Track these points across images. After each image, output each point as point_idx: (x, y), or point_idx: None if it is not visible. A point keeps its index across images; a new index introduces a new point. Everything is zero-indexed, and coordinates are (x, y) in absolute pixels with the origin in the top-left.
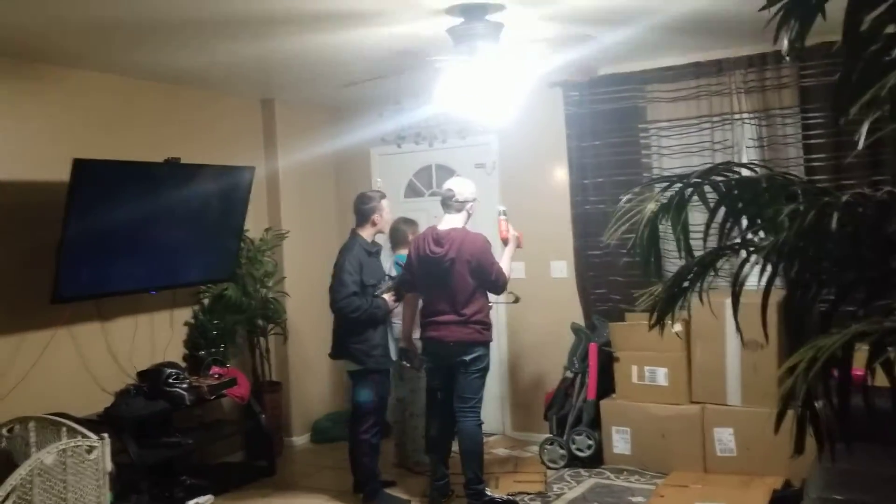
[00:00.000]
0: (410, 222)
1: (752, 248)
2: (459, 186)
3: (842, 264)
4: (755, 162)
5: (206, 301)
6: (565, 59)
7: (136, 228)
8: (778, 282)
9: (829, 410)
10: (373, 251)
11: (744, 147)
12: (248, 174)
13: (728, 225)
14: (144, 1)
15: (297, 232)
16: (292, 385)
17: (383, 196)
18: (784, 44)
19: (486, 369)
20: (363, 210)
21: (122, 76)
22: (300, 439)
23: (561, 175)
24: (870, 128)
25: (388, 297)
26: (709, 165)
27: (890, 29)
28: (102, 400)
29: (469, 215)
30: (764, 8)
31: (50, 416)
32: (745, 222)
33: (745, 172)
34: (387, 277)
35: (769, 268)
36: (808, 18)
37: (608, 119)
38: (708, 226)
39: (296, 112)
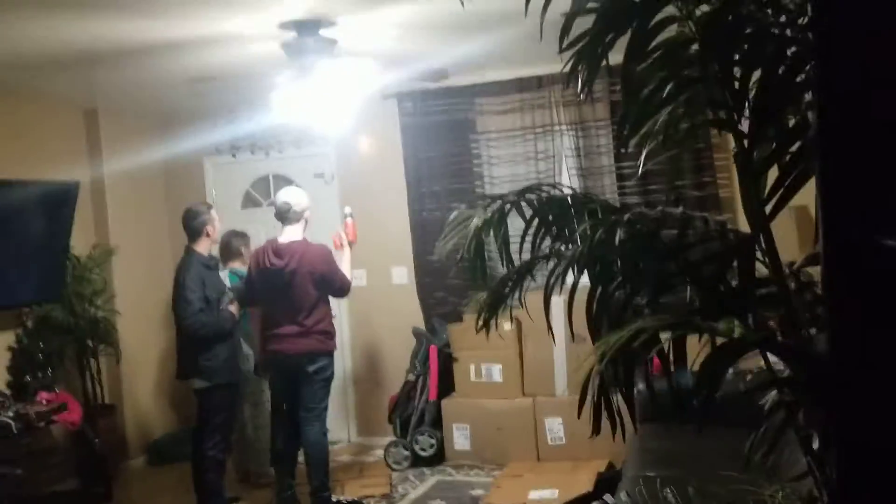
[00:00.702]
0: (241, 235)
1: (559, 258)
2: (294, 197)
3: (628, 270)
4: (559, 184)
5: (29, 323)
6: (399, 74)
7: None
8: None
9: (624, 396)
10: (211, 265)
11: (563, 156)
12: (73, 189)
13: (540, 237)
14: None
15: (127, 247)
16: (127, 406)
17: (211, 207)
18: (579, 85)
19: (330, 378)
20: (194, 226)
21: None
22: (137, 462)
23: (399, 184)
24: (650, 153)
25: (233, 308)
26: (526, 185)
27: (661, 74)
28: None
29: (306, 224)
30: (561, 51)
31: None
32: (554, 235)
33: (556, 191)
34: (228, 290)
35: (575, 273)
36: (594, 66)
37: (441, 130)
38: (523, 238)
39: (122, 121)
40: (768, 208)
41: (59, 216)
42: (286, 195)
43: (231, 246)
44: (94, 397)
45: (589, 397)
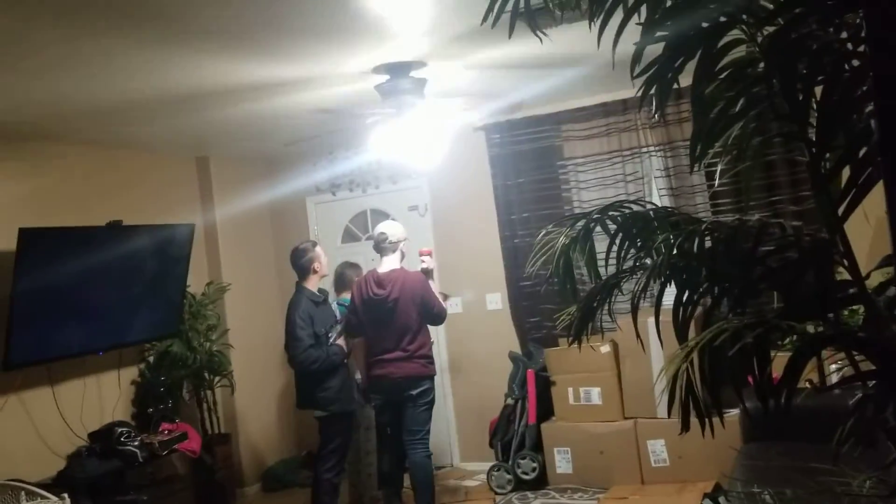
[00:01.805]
0: (354, 266)
1: (643, 270)
2: (390, 229)
3: (712, 278)
4: (641, 200)
5: (151, 358)
6: (487, 107)
7: (82, 291)
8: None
9: (707, 396)
10: (320, 300)
11: (652, 177)
12: (188, 231)
13: (625, 251)
14: (87, 81)
15: (238, 283)
16: (242, 435)
17: (315, 244)
18: (653, 108)
19: (432, 402)
20: (302, 264)
21: (62, 144)
22: (252, 489)
23: (489, 212)
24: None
25: (341, 341)
26: (610, 202)
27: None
28: (55, 464)
29: (403, 255)
30: (633, 78)
31: (7, 482)
32: (638, 248)
33: (636, 207)
34: (336, 323)
35: (659, 283)
36: (665, 90)
37: (528, 158)
38: (608, 253)
39: (231, 167)
40: (841, 211)
41: (177, 257)
42: (383, 227)
43: (345, 277)
44: (211, 427)
45: (677, 398)
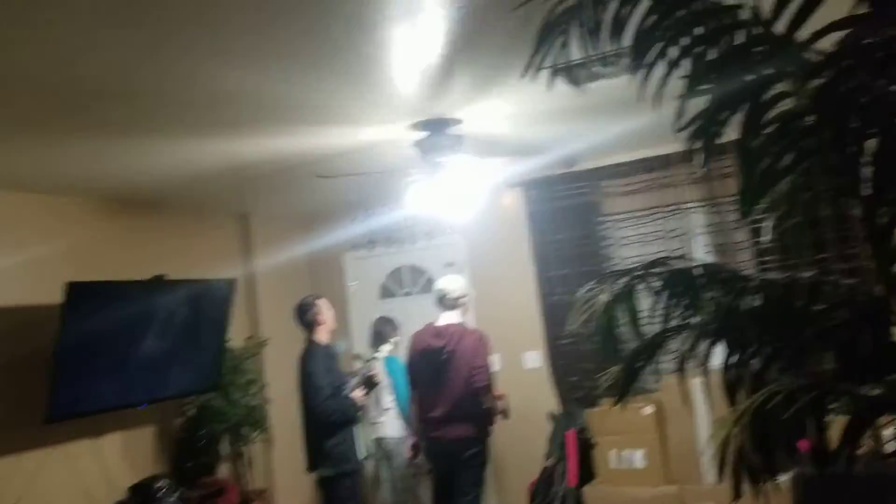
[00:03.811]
0: (389, 321)
1: (690, 329)
2: (451, 284)
3: (763, 337)
4: (682, 256)
5: (191, 412)
6: (524, 165)
7: (125, 345)
8: None
9: (759, 460)
10: (332, 353)
11: (695, 234)
12: (229, 286)
13: (669, 309)
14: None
15: (277, 338)
16: (278, 491)
17: (318, 297)
18: (696, 164)
19: (483, 463)
20: (307, 319)
21: (106, 201)
22: None
23: (527, 269)
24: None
25: (357, 394)
26: (652, 258)
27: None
28: None
29: (464, 310)
30: (676, 132)
31: None
32: (684, 307)
33: (681, 264)
34: (351, 376)
35: (707, 344)
36: (710, 145)
37: (568, 214)
38: (652, 311)
39: (271, 224)
40: None
41: (217, 312)
42: (443, 282)
43: (382, 333)
44: (248, 481)
45: (729, 463)
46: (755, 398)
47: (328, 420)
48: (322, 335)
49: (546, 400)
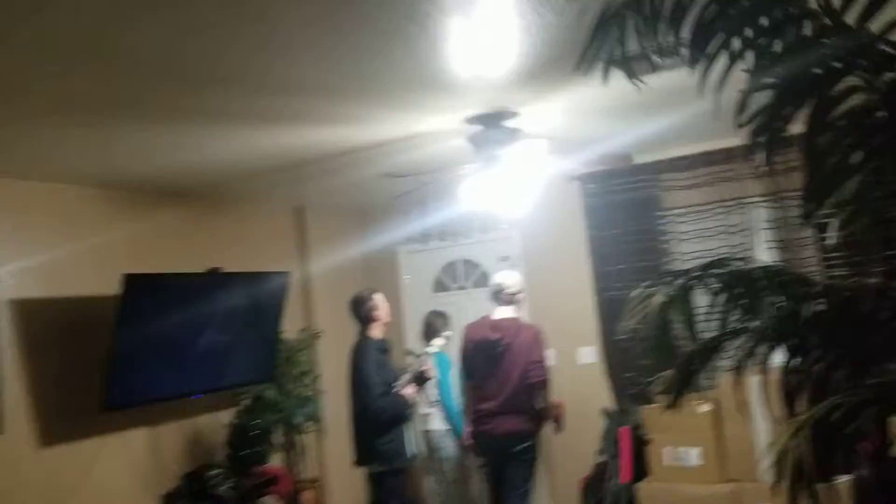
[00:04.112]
0: (441, 315)
1: (749, 333)
2: (508, 279)
3: (826, 343)
4: (745, 257)
5: (246, 402)
6: (580, 156)
7: (181, 336)
8: None
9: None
10: (385, 348)
11: (758, 229)
12: (285, 279)
13: (727, 312)
14: (198, 149)
15: (331, 331)
16: (331, 480)
17: (374, 291)
18: (759, 159)
19: (535, 458)
20: (363, 312)
21: (164, 194)
22: None
23: (583, 263)
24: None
25: (408, 390)
26: (712, 254)
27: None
28: None
29: (519, 305)
30: (737, 128)
31: None
32: (744, 309)
33: (740, 265)
34: (403, 372)
35: (765, 349)
36: (773, 140)
37: (626, 208)
38: (709, 314)
39: (326, 217)
40: None
41: (273, 304)
42: (500, 277)
43: (434, 326)
44: (301, 471)
45: (787, 476)
46: (816, 410)
47: (379, 418)
48: (376, 330)
49: (600, 396)
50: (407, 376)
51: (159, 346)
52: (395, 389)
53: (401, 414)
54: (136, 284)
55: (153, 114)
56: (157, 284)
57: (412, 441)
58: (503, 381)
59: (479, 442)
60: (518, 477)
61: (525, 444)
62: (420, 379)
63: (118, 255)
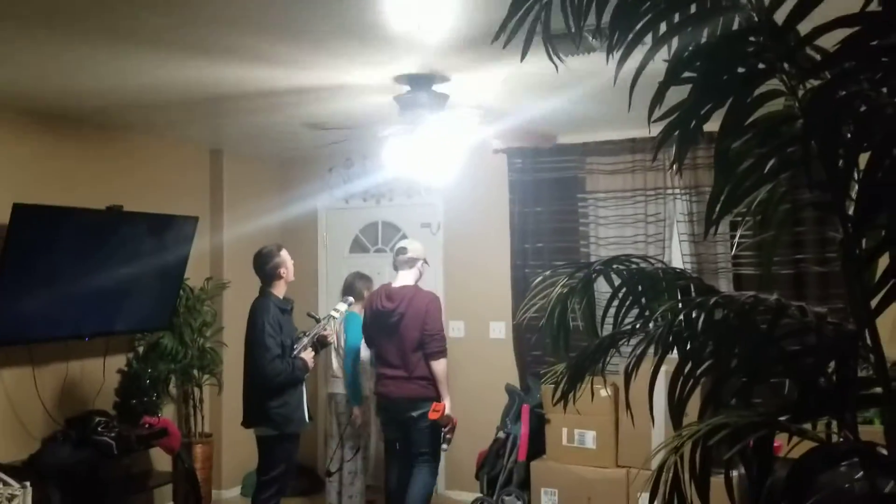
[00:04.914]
0: (365, 278)
1: (641, 335)
2: (410, 245)
3: (719, 354)
4: (651, 257)
5: (140, 349)
6: (506, 127)
7: (74, 274)
8: None
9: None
10: (286, 308)
11: (675, 220)
12: (192, 224)
13: (625, 310)
14: (104, 76)
15: (239, 282)
16: (225, 437)
17: (281, 247)
18: (671, 160)
19: (437, 425)
20: (268, 270)
21: (65, 120)
22: (230, 492)
23: (503, 238)
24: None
25: (306, 355)
26: (632, 247)
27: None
28: (29, 446)
29: (420, 274)
30: (652, 122)
31: None
32: (641, 308)
33: (644, 264)
34: (303, 335)
35: (658, 353)
36: (687, 137)
37: (549, 187)
38: (606, 308)
39: (245, 164)
40: (875, 301)
41: (177, 249)
42: (404, 242)
43: (354, 287)
44: (194, 425)
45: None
46: (698, 429)
47: (273, 381)
48: (279, 288)
49: (506, 371)
50: (306, 339)
51: (48, 282)
52: (295, 352)
53: (296, 378)
54: (26, 215)
55: (54, 26)
56: (49, 217)
57: (305, 407)
58: (399, 349)
59: (379, 403)
60: (420, 442)
61: (424, 411)
62: (320, 344)
63: (8, 181)
